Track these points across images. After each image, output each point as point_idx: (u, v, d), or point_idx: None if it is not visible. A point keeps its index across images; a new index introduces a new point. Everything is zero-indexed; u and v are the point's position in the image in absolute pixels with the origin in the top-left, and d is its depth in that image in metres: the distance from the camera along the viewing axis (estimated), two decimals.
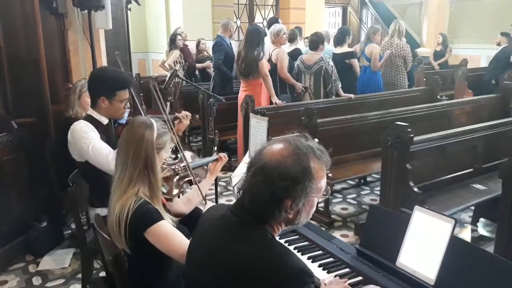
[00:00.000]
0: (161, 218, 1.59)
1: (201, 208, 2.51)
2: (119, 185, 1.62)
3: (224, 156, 2.32)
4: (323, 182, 1.22)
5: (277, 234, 1.25)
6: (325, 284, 1.47)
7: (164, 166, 2.16)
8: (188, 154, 2.44)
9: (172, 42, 6.33)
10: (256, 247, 1.14)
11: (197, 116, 2.81)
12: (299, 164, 1.14)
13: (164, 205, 1.80)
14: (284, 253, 1.13)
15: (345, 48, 5.49)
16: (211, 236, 1.24)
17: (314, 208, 1.27)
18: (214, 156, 2.34)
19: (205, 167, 2.46)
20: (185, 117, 2.60)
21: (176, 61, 6.32)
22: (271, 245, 1.15)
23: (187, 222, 2.16)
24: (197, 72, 6.99)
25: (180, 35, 6.49)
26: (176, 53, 6.28)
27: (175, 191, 2.13)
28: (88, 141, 2.20)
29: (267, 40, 5.19)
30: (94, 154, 2.19)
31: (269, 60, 4.94)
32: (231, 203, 1.30)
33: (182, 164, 2.21)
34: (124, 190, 1.60)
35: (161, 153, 1.76)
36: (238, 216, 1.20)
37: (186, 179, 2.19)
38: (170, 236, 1.58)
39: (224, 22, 5.63)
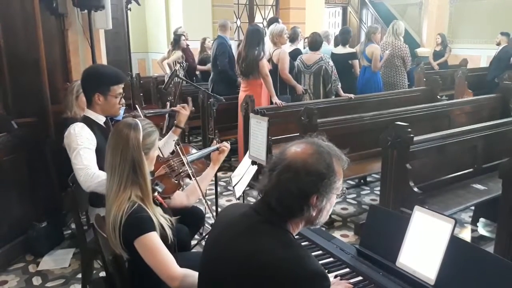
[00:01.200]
0: (152, 228, 1.56)
1: (201, 207, 2.52)
2: (111, 190, 1.61)
3: (225, 146, 2.30)
4: (341, 181, 1.26)
5: (296, 233, 1.27)
6: None
7: (160, 162, 2.15)
8: (191, 149, 2.44)
9: (176, 42, 6.31)
10: (277, 247, 1.15)
11: (193, 108, 2.81)
12: (324, 161, 1.19)
13: (161, 204, 1.80)
14: (304, 255, 1.15)
15: (348, 49, 5.49)
16: (231, 234, 1.25)
17: (332, 208, 1.29)
18: (215, 146, 2.32)
19: (203, 159, 2.44)
20: (183, 108, 2.60)
21: (176, 61, 6.31)
22: (292, 246, 1.17)
23: (187, 222, 2.16)
24: (197, 72, 6.98)
25: (184, 35, 6.47)
26: (178, 53, 6.26)
27: (173, 188, 2.11)
28: (75, 146, 2.19)
29: (267, 40, 5.19)
30: (74, 161, 2.18)
31: (270, 60, 4.93)
32: (232, 202, 1.31)
33: (178, 159, 2.19)
34: (116, 195, 1.59)
35: (150, 153, 1.73)
36: (262, 215, 1.22)
37: (184, 173, 2.18)
38: (156, 250, 1.55)
39: (221, 23, 5.61)
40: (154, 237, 1.56)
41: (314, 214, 1.22)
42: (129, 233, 1.54)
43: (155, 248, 1.55)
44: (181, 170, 2.18)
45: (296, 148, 1.23)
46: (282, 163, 1.20)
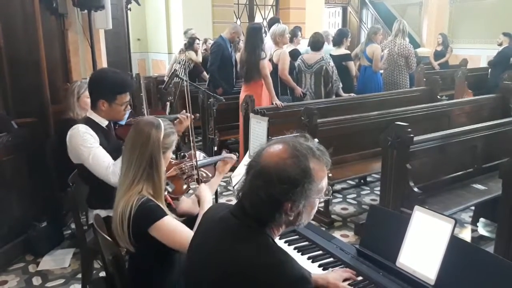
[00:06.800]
0: (164, 214, 1.60)
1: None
2: (124, 183, 1.63)
3: (231, 158, 2.32)
4: (323, 183, 1.20)
5: (277, 236, 1.25)
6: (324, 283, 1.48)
7: (172, 164, 2.17)
8: (199, 155, 2.45)
9: (190, 45, 6.37)
10: (256, 253, 1.13)
11: (198, 114, 2.81)
12: (298, 166, 1.12)
13: (170, 204, 1.81)
14: (284, 260, 1.12)
15: (342, 50, 5.48)
16: (211, 238, 1.23)
17: (315, 209, 1.26)
18: (223, 155, 2.34)
19: (213, 166, 2.45)
20: (186, 118, 2.59)
21: (177, 61, 6.33)
22: (272, 251, 1.14)
23: (189, 222, 2.16)
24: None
25: (198, 39, 6.52)
26: (193, 54, 6.33)
27: (182, 190, 2.12)
28: (88, 149, 2.18)
29: (269, 40, 5.19)
30: (94, 163, 2.18)
31: (270, 60, 4.94)
32: (232, 203, 1.30)
33: (189, 163, 2.20)
34: (128, 188, 1.61)
35: (167, 153, 1.77)
36: (239, 219, 1.19)
37: (194, 177, 2.19)
38: (174, 231, 1.59)
39: (232, 26, 5.63)
40: (169, 219, 1.59)
41: (291, 218, 1.18)
42: (142, 222, 1.56)
43: (174, 229, 1.59)
44: (191, 174, 2.19)
45: (271, 151, 1.16)
46: (255, 167, 1.15)
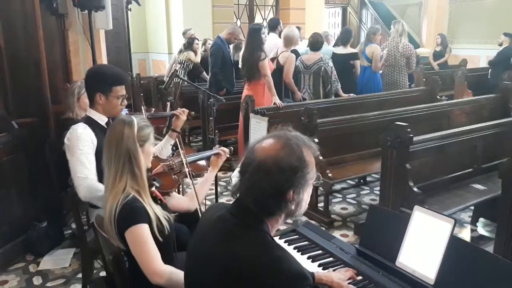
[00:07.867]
0: (143, 220, 1.59)
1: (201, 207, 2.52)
2: (108, 181, 1.66)
3: (224, 151, 2.33)
4: (314, 169, 1.24)
5: (275, 230, 1.26)
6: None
7: (159, 161, 2.18)
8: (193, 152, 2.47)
9: (190, 45, 6.37)
10: (255, 251, 1.14)
11: (193, 112, 2.85)
12: (294, 154, 1.17)
13: (161, 200, 1.81)
14: (283, 257, 1.14)
15: (350, 49, 5.48)
16: (210, 238, 1.24)
17: (309, 197, 1.29)
18: (215, 150, 2.34)
19: (205, 161, 2.46)
20: (182, 113, 2.62)
21: (178, 62, 6.33)
22: (270, 249, 1.16)
23: (187, 222, 2.17)
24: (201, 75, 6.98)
25: (197, 39, 6.52)
26: (192, 54, 6.34)
27: (171, 185, 2.13)
28: (79, 150, 2.20)
29: (269, 40, 5.19)
30: (73, 167, 2.20)
31: (274, 60, 4.94)
32: (214, 203, 1.31)
33: (177, 160, 2.22)
34: (113, 186, 1.63)
35: (145, 146, 1.77)
36: (237, 218, 1.21)
37: (183, 173, 2.20)
38: (145, 243, 1.57)
39: (231, 27, 5.62)
40: (143, 229, 1.58)
41: (293, 207, 1.21)
42: (122, 224, 1.57)
43: (142, 240, 1.57)
44: (180, 170, 2.19)
45: (264, 145, 1.20)
46: (252, 164, 1.17)
